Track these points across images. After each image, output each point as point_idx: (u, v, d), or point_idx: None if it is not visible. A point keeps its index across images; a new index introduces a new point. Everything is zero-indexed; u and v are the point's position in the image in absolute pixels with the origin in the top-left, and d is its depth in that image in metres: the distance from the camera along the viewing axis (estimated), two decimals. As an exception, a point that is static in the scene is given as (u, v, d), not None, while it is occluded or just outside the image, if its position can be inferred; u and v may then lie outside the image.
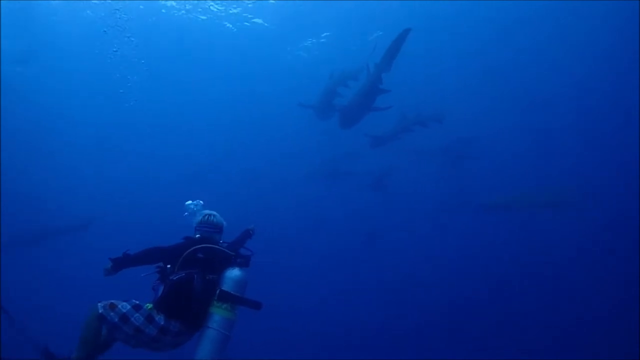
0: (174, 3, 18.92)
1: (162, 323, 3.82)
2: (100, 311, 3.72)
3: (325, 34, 20.50)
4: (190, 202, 4.97)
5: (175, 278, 3.95)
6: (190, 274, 3.98)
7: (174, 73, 22.39)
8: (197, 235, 4.46)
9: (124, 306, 3.79)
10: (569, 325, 15.58)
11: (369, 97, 11.69)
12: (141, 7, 18.50)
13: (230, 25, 20.01)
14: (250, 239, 5.28)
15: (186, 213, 4.92)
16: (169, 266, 4.09)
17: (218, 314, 3.88)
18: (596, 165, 18.21)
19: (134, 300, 3.89)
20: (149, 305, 3.90)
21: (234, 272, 4.06)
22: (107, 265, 3.97)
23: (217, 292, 3.97)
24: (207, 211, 4.67)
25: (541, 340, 15.97)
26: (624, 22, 16.60)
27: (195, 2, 18.82)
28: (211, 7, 19.10)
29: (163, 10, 19.22)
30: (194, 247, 4.13)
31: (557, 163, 18.94)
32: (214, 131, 23.84)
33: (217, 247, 4.24)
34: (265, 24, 19.84)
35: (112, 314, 3.73)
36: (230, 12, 19.35)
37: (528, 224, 17.35)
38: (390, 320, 17.02)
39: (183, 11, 19.40)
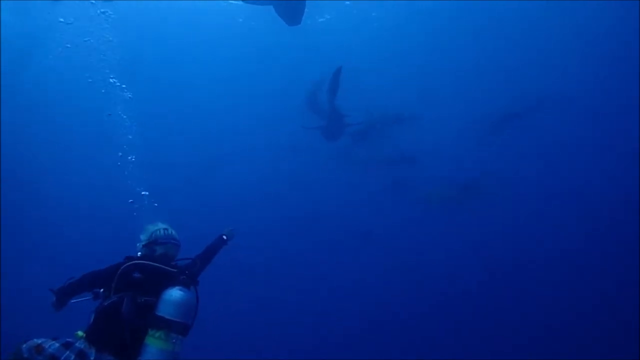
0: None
1: (92, 358, 3.35)
2: (25, 355, 3.33)
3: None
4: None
5: (105, 304, 3.50)
6: (120, 297, 3.49)
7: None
8: (139, 253, 3.94)
9: (52, 345, 3.36)
10: (568, 325, 15.53)
11: (337, 117, 14.20)
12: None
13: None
14: (227, 245, 4.52)
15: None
16: (102, 290, 3.64)
17: (152, 344, 3.32)
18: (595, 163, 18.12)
19: (64, 338, 3.45)
20: (80, 333, 3.49)
21: (171, 293, 3.42)
22: (52, 299, 3.61)
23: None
24: (160, 225, 4.12)
25: (541, 340, 15.92)
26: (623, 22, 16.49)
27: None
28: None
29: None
30: (127, 265, 3.61)
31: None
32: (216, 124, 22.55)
33: (155, 263, 3.67)
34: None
35: (39, 357, 3.30)
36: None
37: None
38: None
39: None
